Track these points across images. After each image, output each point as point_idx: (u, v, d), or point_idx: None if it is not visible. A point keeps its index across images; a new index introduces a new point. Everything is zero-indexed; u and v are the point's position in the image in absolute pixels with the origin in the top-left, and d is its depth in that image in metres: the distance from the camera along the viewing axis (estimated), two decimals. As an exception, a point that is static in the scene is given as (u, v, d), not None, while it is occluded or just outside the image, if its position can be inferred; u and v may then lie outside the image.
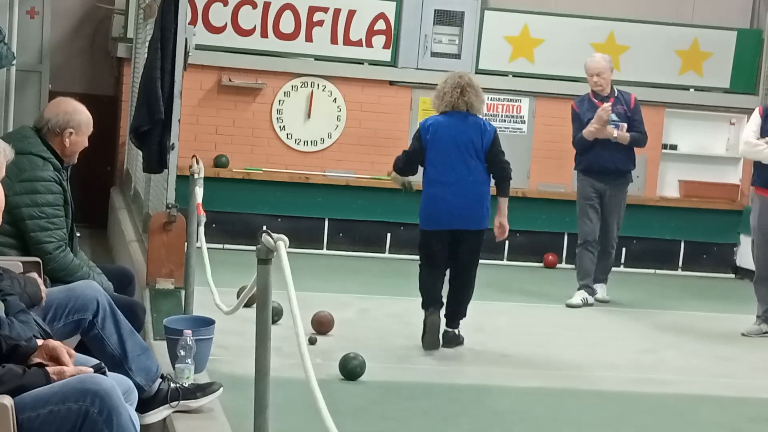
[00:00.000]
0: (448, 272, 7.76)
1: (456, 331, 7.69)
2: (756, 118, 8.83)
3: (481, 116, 7.69)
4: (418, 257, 7.83)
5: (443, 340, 7.63)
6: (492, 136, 7.58)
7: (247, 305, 4.82)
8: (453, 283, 7.70)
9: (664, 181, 12.37)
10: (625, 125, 9.38)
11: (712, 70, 12.28)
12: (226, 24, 11.49)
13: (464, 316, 7.73)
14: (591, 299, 9.47)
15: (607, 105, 9.26)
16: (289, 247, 3.87)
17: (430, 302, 7.59)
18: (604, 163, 9.33)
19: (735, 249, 12.18)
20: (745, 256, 11.22)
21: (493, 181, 7.72)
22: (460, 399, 6.47)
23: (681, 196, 12.33)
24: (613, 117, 9.30)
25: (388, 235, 11.57)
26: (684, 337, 8.63)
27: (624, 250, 11.41)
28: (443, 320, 7.66)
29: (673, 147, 12.36)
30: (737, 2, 12.78)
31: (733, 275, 12.11)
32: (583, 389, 6.89)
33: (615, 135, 9.26)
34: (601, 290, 9.52)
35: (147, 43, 7.92)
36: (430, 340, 7.50)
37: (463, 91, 7.55)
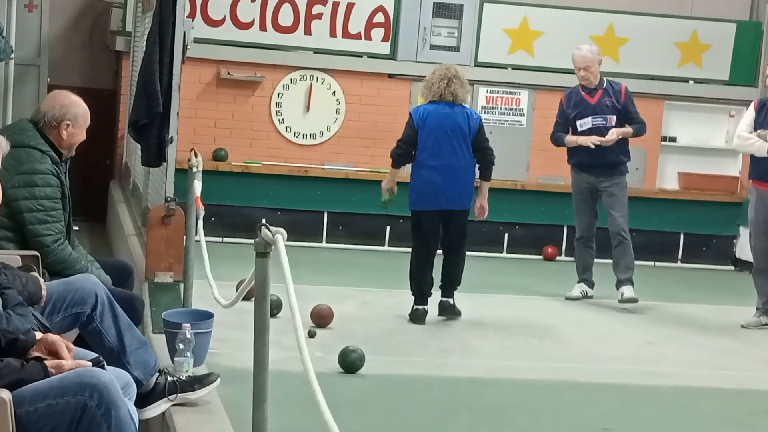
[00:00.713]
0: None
1: (451, 300, 8.18)
2: (750, 112, 8.83)
3: (466, 105, 8.26)
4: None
5: (440, 310, 8.16)
6: (478, 123, 8.18)
7: (246, 298, 4.81)
8: (446, 257, 8.23)
9: (664, 173, 12.37)
10: (614, 117, 9.29)
11: (711, 62, 12.27)
12: (224, 17, 11.47)
13: (459, 284, 8.21)
14: (590, 292, 9.45)
15: (595, 140, 9.17)
16: (289, 240, 3.86)
17: (417, 294, 8.10)
18: (595, 157, 9.22)
19: (734, 241, 12.18)
20: (744, 248, 11.22)
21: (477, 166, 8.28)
22: (460, 392, 6.46)
23: (680, 189, 12.32)
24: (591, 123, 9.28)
25: (388, 228, 11.56)
26: (684, 330, 8.63)
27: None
28: (439, 292, 8.20)
29: (673, 139, 12.35)
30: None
31: (732, 267, 12.11)
32: (583, 382, 6.88)
33: (601, 141, 9.17)
34: (627, 291, 9.16)
35: (145, 37, 7.91)
36: (415, 320, 8.04)
37: (449, 82, 8.11)
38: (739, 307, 9.22)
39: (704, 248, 12.17)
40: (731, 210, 12.08)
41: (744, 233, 11.41)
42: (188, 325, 5.03)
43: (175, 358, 4.96)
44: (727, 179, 12.31)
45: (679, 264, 12.13)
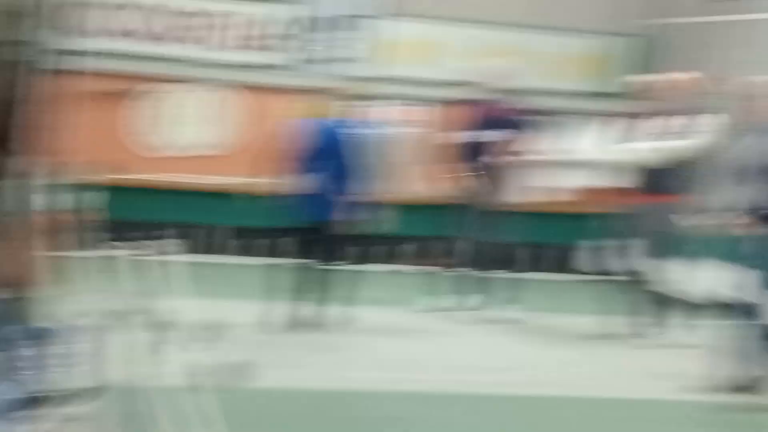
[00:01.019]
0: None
1: (325, 312, 8.42)
2: (630, 124, 8.97)
3: (352, 118, 8.58)
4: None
5: (311, 323, 8.40)
6: (356, 137, 8.43)
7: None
8: (319, 271, 8.49)
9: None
10: (500, 133, 9.42)
11: (600, 75, 12.41)
12: (96, 27, 11.18)
13: (333, 297, 8.47)
14: (470, 304, 9.51)
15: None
16: (169, 254, 3.79)
17: (294, 301, 8.37)
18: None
19: (574, 252, 12.21)
20: (583, 259, 11.28)
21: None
22: (352, 405, 6.45)
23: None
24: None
25: (267, 240, 11.43)
26: (543, 340, 8.76)
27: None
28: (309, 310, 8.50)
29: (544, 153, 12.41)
30: (624, 9, 12.94)
31: (576, 277, 12.12)
32: (440, 393, 6.90)
33: None
34: (506, 312, 9.48)
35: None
36: (291, 328, 8.27)
37: (338, 100, 8.54)
38: (584, 317, 9.23)
39: (547, 258, 12.21)
40: (570, 222, 12.10)
41: (585, 245, 11.44)
42: (53, 339, 4.87)
43: (36, 376, 4.80)
44: (575, 192, 12.32)
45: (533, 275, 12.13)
